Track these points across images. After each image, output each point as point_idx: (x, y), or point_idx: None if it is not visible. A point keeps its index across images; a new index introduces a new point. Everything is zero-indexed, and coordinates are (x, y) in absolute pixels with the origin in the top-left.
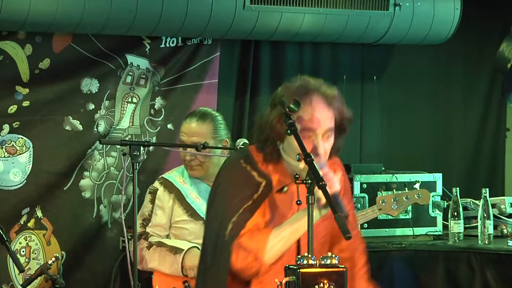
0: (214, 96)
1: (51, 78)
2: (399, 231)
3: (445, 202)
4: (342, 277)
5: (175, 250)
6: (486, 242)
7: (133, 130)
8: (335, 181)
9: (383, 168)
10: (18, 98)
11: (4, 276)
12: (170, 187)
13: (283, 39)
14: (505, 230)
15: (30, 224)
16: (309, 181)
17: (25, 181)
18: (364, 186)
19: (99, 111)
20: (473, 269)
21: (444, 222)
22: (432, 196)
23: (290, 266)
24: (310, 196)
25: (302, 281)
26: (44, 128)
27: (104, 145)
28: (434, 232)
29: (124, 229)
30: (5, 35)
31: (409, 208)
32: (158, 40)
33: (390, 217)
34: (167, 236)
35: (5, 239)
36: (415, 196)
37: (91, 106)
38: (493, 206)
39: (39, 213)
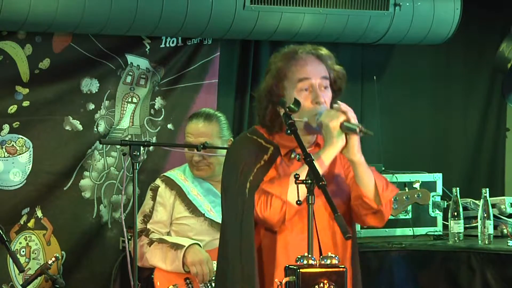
0: (214, 96)
1: (51, 78)
2: (399, 231)
3: (445, 202)
4: (342, 277)
5: (176, 247)
6: (486, 242)
7: (133, 130)
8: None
9: (383, 168)
10: (18, 98)
11: (4, 276)
12: (171, 184)
13: (283, 39)
14: (505, 230)
15: (30, 224)
16: (309, 181)
17: (25, 181)
18: None
19: (99, 111)
20: (473, 269)
21: (444, 222)
22: (432, 196)
23: (290, 266)
24: (310, 196)
25: (302, 281)
26: (44, 128)
27: (104, 145)
28: (434, 232)
29: (124, 229)
30: (5, 35)
31: (409, 208)
32: (158, 40)
33: (390, 217)
34: (168, 233)
35: (5, 239)
36: (415, 196)
37: (91, 106)
38: (493, 206)
39: (39, 213)
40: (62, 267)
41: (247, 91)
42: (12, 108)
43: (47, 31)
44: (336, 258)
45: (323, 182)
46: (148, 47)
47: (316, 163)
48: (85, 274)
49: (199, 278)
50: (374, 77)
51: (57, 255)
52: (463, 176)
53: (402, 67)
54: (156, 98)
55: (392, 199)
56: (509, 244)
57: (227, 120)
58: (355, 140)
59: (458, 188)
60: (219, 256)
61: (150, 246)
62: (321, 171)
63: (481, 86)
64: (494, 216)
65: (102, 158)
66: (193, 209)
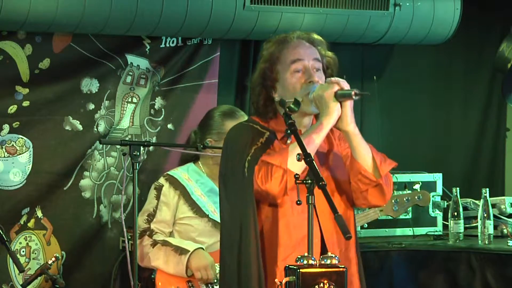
0: (214, 96)
1: (51, 78)
2: (399, 231)
3: (445, 202)
4: (342, 277)
5: (181, 251)
6: (486, 242)
7: (133, 130)
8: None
9: None
10: (18, 98)
11: (4, 276)
12: (175, 183)
13: None
14: (505, 230)
15: (30, 224)
16: (309, 181)
17: (25, 181)
18: None
19: (99, 111)
20: (473, 269)
21: (444, 222)
22: (432, 196)
23: (290, 266)
24: (310, 196)
25: (302, 281)
26: (44, 128)
27: (104, 145)
28: (434, 232)
29: (124, 229)
30: (5, 35)
31: (409, 208)
32: (158, 40)
33: (390, 217)
34: (171, 233)
35: (5, 239)
36: (416, 197)
37: (91, 106)
38: (493, 206)
39: (39, 213)
40: (62, 267)
41: (247, 91)
42: (12, 108)
43: (47, 31)
44: (336, 258)
45: (323, 182)
46: (148, 47)
47: (315, 132)
48: (85, 274)
49: (203, 282)
50: (374, 77)
51: (57, 255)
52: (463, 176)
53: (402, 67)
54: (156, 98)
55: (393, 181)
56: (509, 244)
57: None
58: (347, 109)
59: (458, 188)
60: (221, 246)
61: (153, 248)
62: (319, 138)
63: (481, 86)
64: (494, 216)
65: (102, 158)
66: (197, 210)
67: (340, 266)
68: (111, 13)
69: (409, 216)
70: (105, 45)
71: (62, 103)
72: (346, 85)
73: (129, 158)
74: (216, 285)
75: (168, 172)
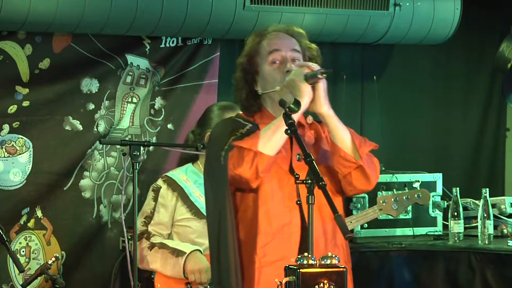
0: (214, 96)
1: (51, 78)
2: (399, 231)
3: (445, 202)
4: (342, 277)
5: (177, 253)
6: (486, 242)
7: (133, 130)
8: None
9: (383, 168)
10: (18, 98)
11: (4, 276)
12: (173, 185)
13: None
14: (505, 230)
15: (30, 224)
16: (309, 181)
17: (25, 181)
18: None
19: (99, 111)
20: (473, 269)
21: (444, 222)
22: (432, 196)
23: (290, 266)
24: (310, 196)
25: (302, 281)
26: (44, 128)
27: (104, 145)
28: (434, 232)
29: (124, 229)
30: (5, 35)
31: (409, 208)
32: (158, 40)
33: (390, 217)
34: (169, 235)
35: (5, 239)
36: (416, 196)
37: (91, 106)
38: (493, 206)
39: (39, 213)
40: (62, 267)
41: None
42: (12, 108)
43: (47, 31)
44: (336, 258)
45: (323, 182)
46: (148, 47)
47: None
48: (85, 274)
49: (197, 286)
50: (374, 77)
51: (57, 255)
52: (463, 176)
53: (402, 67)
54: (156, 98)
55: (377, 163)
56: (509, 244)
57: None
58: (320, 91)
59: (458, 188)
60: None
61: (150, 250)
62: (295, 117)
63: (481, 86)
64: (494, 216)
65: (102, 158)
66: (195, 211)
67: (340, 266)
68: (111, 13)
69: (409, 216)
70: (105, 45)
71: (62, 103)
72: (316, 67)
73: (129, 158)
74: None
75: (166, 174)
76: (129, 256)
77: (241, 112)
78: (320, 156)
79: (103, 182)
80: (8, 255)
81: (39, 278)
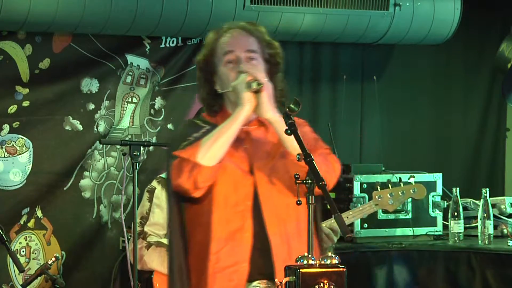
0: None
1: (51, 78)
2: (399, 231)
3: (445, 202)
4: (342, 277)
5: None
6: (486, 242)
7: (133, 130)
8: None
9: (383, 168)
10: (18, 98)
11: (4, 276)
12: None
13: (283, 39)
14: (505, 230)
15: (30, 224)
16: (309, 181)
17: (25, 181)
18: (364, 186)
19: (99, 111)
20: (473, 269)
21: (444, 222)
22: (432, 196)
23: (290, 266)
24: (310, 196)
25: (302, 281)
26: (44, 128)
27: (104, 145)
28: (434, 232)
29: (124, 229)
30: (5, 35)
31: (409, 208)
32: (158, 40)
33: (390, 217)
34: (165, 235)
35: (5, 239)
36: (411, 191)
37: (91, 106)
38: (493, 206)
39: (39, 213)
40: (62, 267)
41: None
42: (12, 108)
43: (47, 31)
44: (336, 258)
45: (323, 182)
46: (148, 47)
47: (229, 123)
48: (85, 274)
49: None
50: (374, 77)
51: (57, 255)
52: (463, 176)
53: (402, 67)
54: (156, 98)
55: (334, 161)
56: (509, 244)
57: None
58: (264, 97)
59: (458, 188)
60: None
61: (147, 250)
62: (233, 129)
63: (481, 86)
64: (494, 216)
65: (102, 158)
66: None
67: (340, 266)
68: (111, 13)
69: (409, 216)
70: (105, 45)
71: (62, 103)
72: (259, 75)
73: (129, 158)
74: None
75: (161, 175)
76: (129, 256)
77: (204, 113)
78: (281, 155)
79: (103, 182)
80: (8, 255)
81: (39, 278)
